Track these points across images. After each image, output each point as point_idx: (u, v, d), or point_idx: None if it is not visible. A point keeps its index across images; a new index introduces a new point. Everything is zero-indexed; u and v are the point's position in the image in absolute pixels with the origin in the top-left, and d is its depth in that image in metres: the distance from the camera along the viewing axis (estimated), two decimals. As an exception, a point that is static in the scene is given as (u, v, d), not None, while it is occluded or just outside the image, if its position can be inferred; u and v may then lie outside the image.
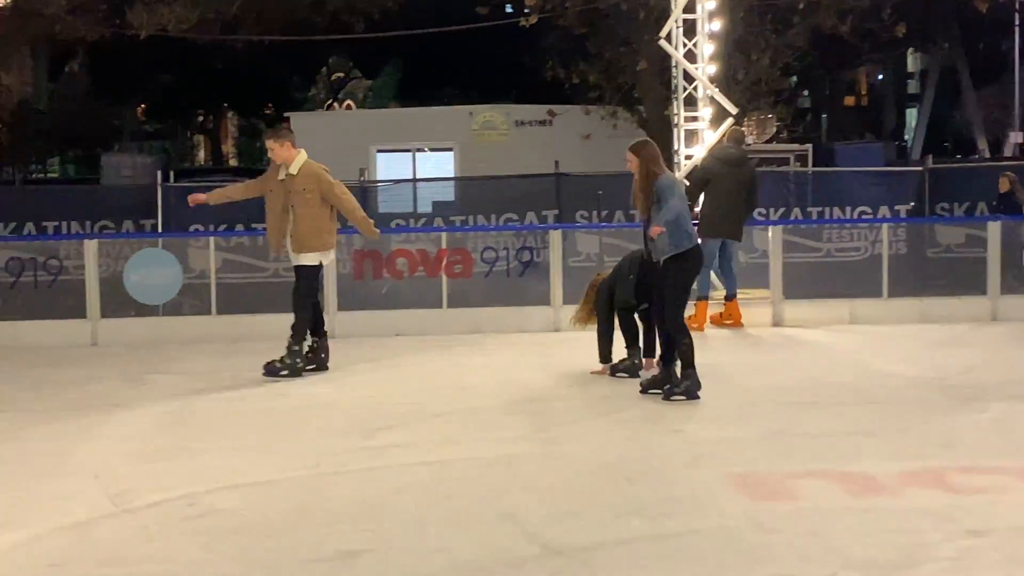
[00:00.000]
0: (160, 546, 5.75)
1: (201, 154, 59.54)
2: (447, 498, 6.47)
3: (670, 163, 15.10)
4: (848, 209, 21.62)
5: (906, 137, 51.72)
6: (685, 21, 14.03)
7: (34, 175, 43.57)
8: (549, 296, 12.93)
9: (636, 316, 9.99)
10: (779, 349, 11.64)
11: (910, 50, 51.06)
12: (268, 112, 50.19)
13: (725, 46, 15.72)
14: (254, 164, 49.90)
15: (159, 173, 23.20)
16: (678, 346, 9.02)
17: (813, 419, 8.31)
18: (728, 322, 12.82)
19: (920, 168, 22.90)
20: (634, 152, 9.10)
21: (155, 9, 18.01)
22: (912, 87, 56.72)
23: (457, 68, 41.24)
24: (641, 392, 9.14)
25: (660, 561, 5.39)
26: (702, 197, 12.83)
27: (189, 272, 13.76)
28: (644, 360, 10.01)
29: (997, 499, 6.27)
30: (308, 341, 10.38)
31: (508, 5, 30.94)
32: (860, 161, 27.03)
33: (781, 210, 21.14)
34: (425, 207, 22.53)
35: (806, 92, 48.81)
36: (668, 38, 13.98)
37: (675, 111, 14.31)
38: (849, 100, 56.38)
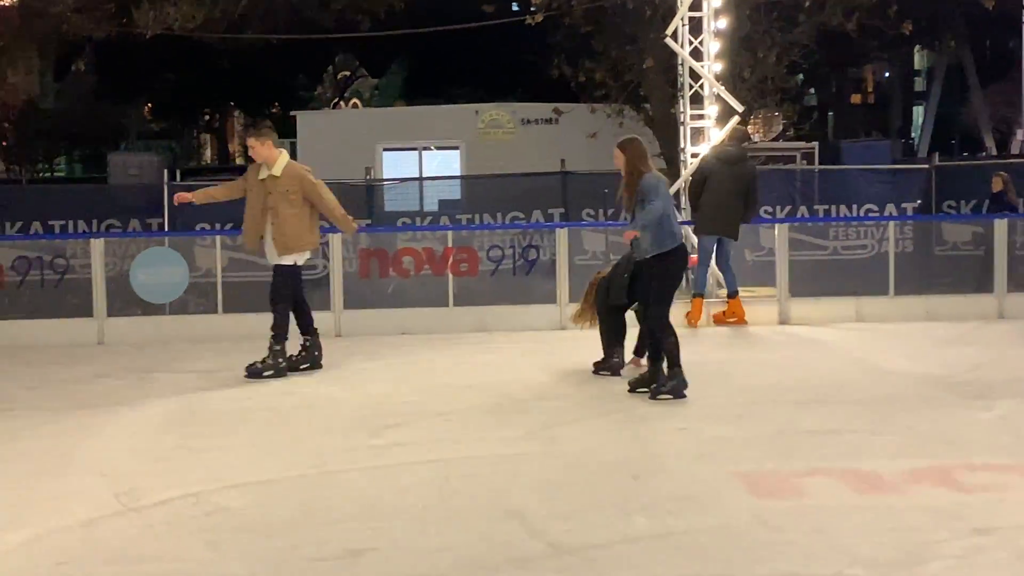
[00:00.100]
0: (166, 545, 5.76)
1: (207, 153, 59.61)
2: (452, 496, 6.48)
3: (676, 161, 15.15)
4: (854, 207, 21.60)
5: (913, 135, 51.68)
6: (691, 19, 14.02)
7: (40, 174, 43.61)
8: (555, 294, 12.93)
9: (634, 314, 10.01)
10: (785, 347, 11.63)
11: (917, 48, 51.01)
12: (274, 111, 50.23)
13: (731, 44, 15.70)
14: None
15: (165, 172, 23.26)
16: (663, 345, 9.02)
17: (819, 417, 8.30)
18: (732, 320, 12.82)
19: (927, 166, 22.85)
20: (620, 149, 9.13)
21: (161, 8, 18.01)
22: (919, 85, 56.69)
23: (463, 67, 41.24)
24: (629, 391, 9.12)
25: (665, 559, 5.38)
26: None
27: (195, 271, 13.78)
28: (634, 359, 10.03)
29: (1003, 497, 6.26)
30: (289, 340, 10.31)
31: (514, 3, 30.97)
32: (866, 159, 26.98)
33: (787, 208, 21.11)
34: (431, 205, 22.53)
35: (812, 90, 48.75)
36: (674, 36, 13.97)
37: (681, 109, 14.29)
38: (856, 98, 56.34)
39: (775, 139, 32.52)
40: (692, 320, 12.64)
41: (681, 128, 14.32)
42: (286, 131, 38.40)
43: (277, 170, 10.12)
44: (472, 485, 6.70)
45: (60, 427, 8.45)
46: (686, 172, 13.86)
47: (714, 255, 12.97)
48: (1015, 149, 41.02)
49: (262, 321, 12.31)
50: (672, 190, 14.34)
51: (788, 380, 9.75)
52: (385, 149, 26.66)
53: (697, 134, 14.18)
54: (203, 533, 5.91)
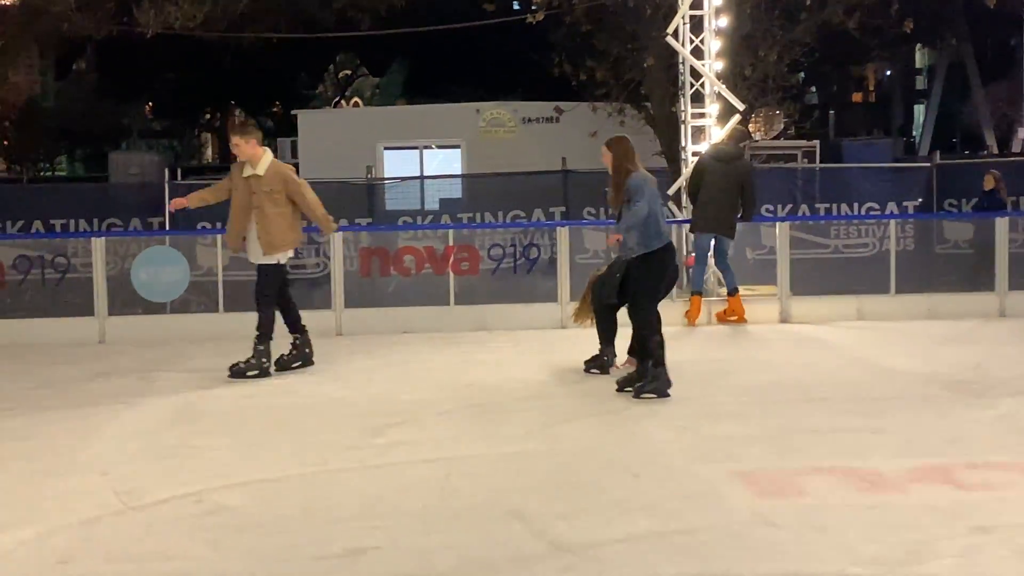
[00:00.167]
0: (168, 543, 5.76)
1: (208, 152, 59.61)
2: (453, 495, 6.48)
3: (677, 160, 15.15)
4: (856, 205, 21.63)
5: (914, 133, 51.67)
6: (692, 17, 14.01)
7: (42, 173, 43.64)
8: (556, 293, 12.93)
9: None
10: (786, 345, 11.63)
11: (918, 46, 50.99)
12: (275, 110, 50.27)
13: (732, 42, 15.69)
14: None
15: (166, 171, 23.27)
16: (648, 343, 9.02)
17: (820, 415, 8.30)
18: (732, 319, 12.82)
19: (928, 164, 22.87)
20: (607, 147, 9.17)
21: (162, 7, 18.00)
22: (920, 83, 56.68)
23: (464, 65, 41.22)
24: (617, 390, 9.12)
25: (667, 558, 5.38)
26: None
27: (196, 270, 13.80)
28: (628, 358, 10.05)
29: (1004, 495, 6.26)
30: (274, 340, 10.29)
31: (515, 2, 30.95)
32: (868, 157, 26.98)
33: (788, 206, 21.13)
34: (432, 204, 22.53)
35: (814, 88, 48.77)
36: (675, 34, 13.97)
37: (682, 107, 14.29)
38: (857, 96, 56.35)
39: (776, 137, 32.49)
40: (691, 318, 12.67)
41: (682, 127, 14.32)
42: (287, 130, 38.44)
43: (261, 169, 10.07)
44: (473, 484, 6.70)
45: (61, 426, 8.45)
46: (687, 171, 13.86)
47: (713, 254, 12.98)
48: (1016, 147, 40.99)
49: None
50: (672, 189, 14.44)
51: (789, 379, 9.75)
52: (386, 148, 26.66)
53: (698, 133, 14.18)
54: (204, 532, 5.91)
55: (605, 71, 19.30)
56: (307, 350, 10.57)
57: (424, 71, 45.34)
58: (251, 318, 12.23)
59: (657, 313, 9.16)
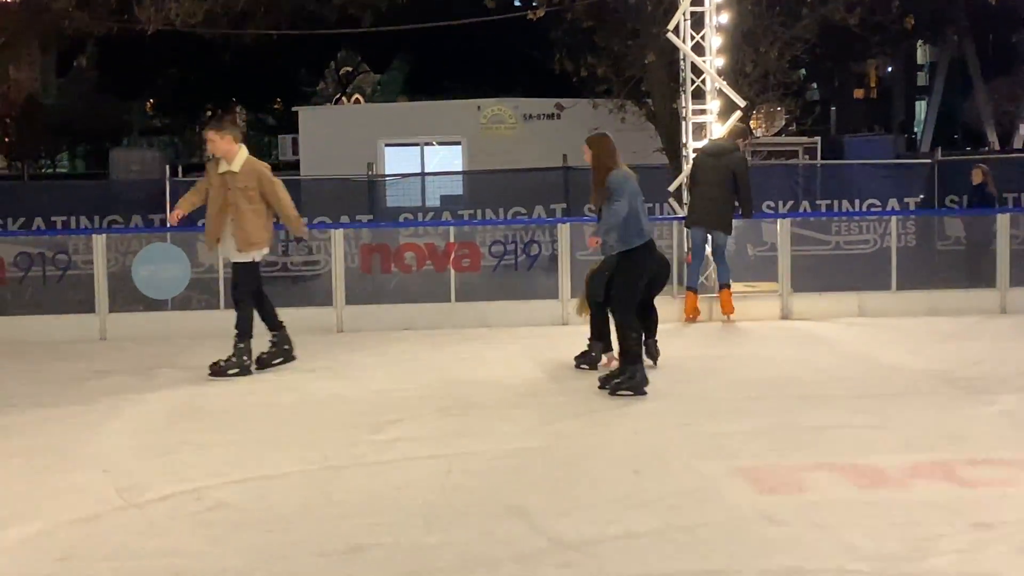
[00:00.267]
0: (168, 540, 5.77)
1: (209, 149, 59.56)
2: (454, 492, 6.48)
3: (678, 156, 15.13)
4: (857, 202, 21.60)
5: (915, 130, 51.61)
6: (693, 14, 13.99)
7: (43, 170, 43.62)
8: (557, 290, 12.92)
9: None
10: (787, 342, 11.62)
11: (919, 42, 50.91)
12: (276, 107, 50.22)
13: (733, 39, 15.65)
14: (263, 158, 49.96)
15: (167, 168, 23.23)
16: (626, 340, 9.02)
17: (821, 412, 8.30)
18: (725, 316, 12.78)
19: (929, 161, 22.83)
20: (588, 145, 9.19)
21: (163, 3, 17.97)
22: (921, 79, 56.58)
23: (465, 62, 41.19)
24: (600, 387, 9.11)
25: (667, 554, 5.39)
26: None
27: (197, 267, 13.80)
28: (609, 354, 10.09)
29: (1005, 491, 6.26)
30: (254, 338, 10.22)
31: (516, -1, 30.89)
32: (869, 154, 26.98)
33: (789, 203, 21.12)
34: (433, 201, 22.52)
35: (815, 85, 48.68)
36: (676, 31, 13.95)
37: (683, 104, 14.27)
38: (858, 93, 56.23)
39: (777, 134, 32.44)
40: (686, 314, 12.67)
41: (683, 123, 14.30)
42: (289, 127, 38.41)
43: (236, 166, 9.99)
44: (474, 480, 6.70)
45: (62, 423, 8.46)
46: (687, 167, 13.85)
47: (710, 249, 12.94)
48: (1018, 144, 40.98)
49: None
50: (673, 186, 14.44)
51: (790, 375, 9.75)
52: (387, 145, 26.65)
53: (699, 129, 14.17)
54: (205, 528, 5.91)
55: (606, 68, 19.25)
56: (286, 346, 10.45)
57: (425, 68, 45.29)
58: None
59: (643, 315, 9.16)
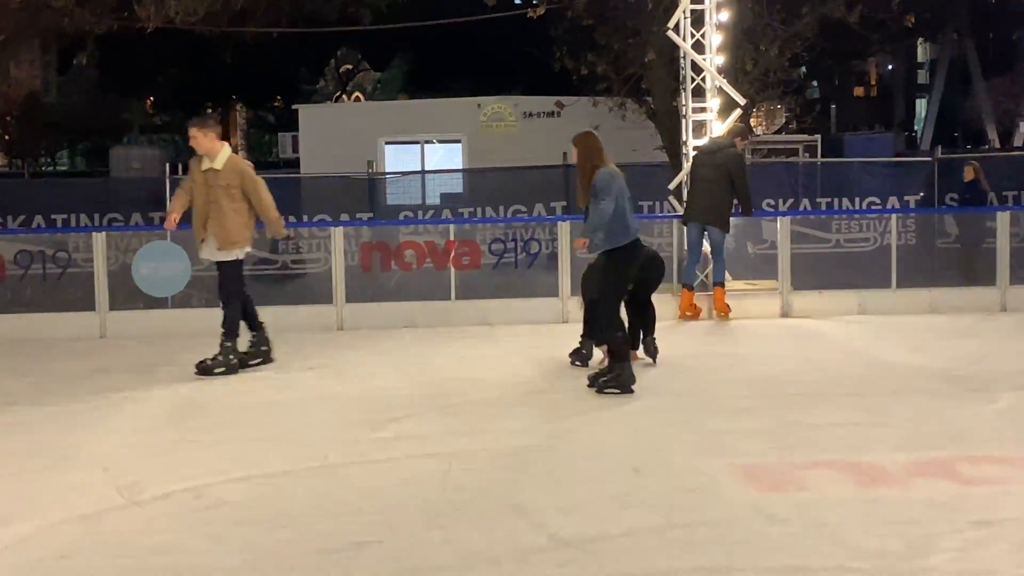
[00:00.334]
0: (168, 538, 5.77)
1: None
2: (455, 490, 6.48)
3: (678, 154, 15.13)
4: (857, 200, 21.59)
5: (915, 128, 51.61)
6: (693, 11, 13.99)
7: (43, 168, 43.63)
8: (557, 287, 12.92)
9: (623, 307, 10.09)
10: (787, 340, 11.62)
11: (920, 40, 50.92)
12: (277, 104, 50.22)
13: (733, 36, 15.64)
14: (263, 156, 49.97)
15: (168, 166, 23.24)
16: (611, 339, 9.03)
17: (820, 410, 8.30)
18: (722, 314, 12.76)
19: (929, 159, 22.82)
20: (574, 143, 9.19)
21: (163, 1, 17.98)
22: (922, 77, 56.60)
23: (465, 60, 41.19)
24: (588, 385, 9.10)
25: (667, 552, 5.39)
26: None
27: (198, 265, 13.73)
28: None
29: (1005, 490, 6.26)
30: (240, 336, 10.20)
31: (516, -4, 30.87)
32: (869, 151, 26.99)
33: (790, 201, 21.11)
34: (433, 199, 22.52)
35: (815, 83, 48.67)
36: (676, 29, 13.94)
37: (683, 102, 14.27)
38: (858, 90, 56.26)
39: (778, 132, 32.42)
40: (681, 312, 12.67)
41: (683, 121, 14.30)
42: (289, 125, 38.38)
43: (218, 163, 9.95)
44: (474, 478, 6.71)
45: (62, 421, 8.46)
46: (687, 165, 13.85)
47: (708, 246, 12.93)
48: (1018, 142, 40.97)
49: (264, 315, 12.34)
50: (673, 184, 14.44)
51: (789, 373, 9.75)
52: (387, 143, 26.64)
53: (699, 127, 14.16)
54: (205, 526, 5.92)
55: (606, 65, 19.24)
56: (264, 347, 10.40)
57: (425, 66, 45.30)
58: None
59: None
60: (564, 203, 20.82)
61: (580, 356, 10.12)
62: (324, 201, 21.18)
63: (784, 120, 29.94)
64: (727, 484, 6.44)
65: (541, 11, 18.15)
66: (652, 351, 10.20)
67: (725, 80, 14.15)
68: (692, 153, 13.99)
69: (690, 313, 12.72)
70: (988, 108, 41.51)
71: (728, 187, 12.63)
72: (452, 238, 13.73)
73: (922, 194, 21.01)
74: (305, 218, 20.28)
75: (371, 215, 20.86)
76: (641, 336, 10.26)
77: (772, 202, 20.69)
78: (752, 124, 20.92)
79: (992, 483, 6.38)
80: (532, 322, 12.57)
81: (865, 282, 13.73)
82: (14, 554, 5.59)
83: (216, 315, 12.35)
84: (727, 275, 13.62)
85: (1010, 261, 13.24)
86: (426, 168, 25.45)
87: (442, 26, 24.70)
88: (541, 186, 21.27)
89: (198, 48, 34.06)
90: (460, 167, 25.53)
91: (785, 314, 13.01)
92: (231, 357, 10.09)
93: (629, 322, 10.17)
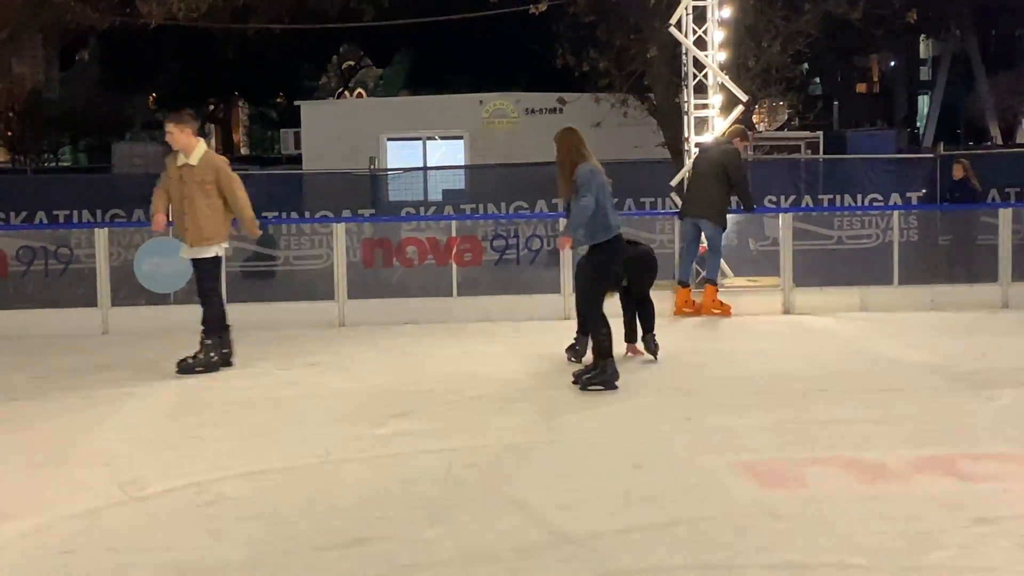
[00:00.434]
0: (170, 534, 5.78)
1: (212, 143, 59.62)
2: (456, 485, 6.49)
3: (680, 151, 15.13)
4: (859, 196, 21.58)
5: (918, 124, 51.57)
6: (695, 8, 13.97)
7: (45, 164, 43.65)
8: (559, 284, 12.92)
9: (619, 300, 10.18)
10: (789, 337, 11.62)
11: (922, 37, 50.88)
12: (279, 101, 50.23)
13: (735, 33, 15.63)
14: (265, 153, 49.99)
15: (169, 162, 23.19)
16: (595, 335, 9.02)
17: (822, 406, 8.30)
18: (716, 311, 12.74)
19: (932, 155, 22.82)
20: (555, 140, 9.17)
21: (165, -3, 18.02)
22: (924, 74, 56.57)
23: (467, 56, 41.19)
24: (573, 382, 9.08)
25: (668, 548, 5.39)
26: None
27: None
28: (626, 345, 10.16)
29: (1007, 486, 6.26)
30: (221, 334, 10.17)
31: (518, -8, 30.85)
32: (871, 148, 26.96)
33: (792, 197, 21.10)
34: (435, 195, 22.53)
35: (817, 79, 48.66)
36: (678, 25, 13.93)
37: (685, 98, 14.26)
38: (861, 87, 56.24)
39: (780, 129, 32.43)
40: (676, 308, 12.67)
41: (685, 118, 14.28)
42: (291, 121, 38.38)
43: (194, 159, 9.91)
44: (475, 474, 6.71)
45: (64, 417, 8.46)
46: (689, 162, 13.85)
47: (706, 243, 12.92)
48: (1021, 138, 40.97)
49: (267, 311, 12.38)
50: (675, 181, 14.44)
51: (791, 370, 9.75)
52: (389, 139, 26.65)
53: (701, 124, 14.14)
54: (206, 522, 5.92)
55: (608, 62, 19.23)
56: (225, 350, 10.30)
57: (427, 62, 45.31)
58: (255, 309, 12.27)
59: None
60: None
61: (575, 352, 10.12)
62: (326, 197, 21.19)
63: (786, 117, 29.93)
64: (728, 480, 6.44)
65: (543, 7, 18.14)
66: (653, 348, 10.20)
67: (727, 77, 14.13)
68: (694, 149, 13.99)
69: (688, 310, 12.71)
70: (990, 104, 41.50)
71: (723, 182, 12.62)
72: (454, 234, 13.72)
73: (924, 191, 21.01)
74: (307, 214, 20.29)
75: (373, 211, 20.86)
76: (641, 333, 10.26)
77: (774, 198, 20.67)
78: (754, 121, 20.92)
79: (993, 480, 6.38)
80: (534, 318, 12.57)
81: (867, 279, 13.71)
82: (16, 550, 5.60)
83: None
84: (728, 271, 13.63)
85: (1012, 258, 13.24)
86: (428, 164, 25.46)
87: (444, 22, 24.68)
88: (543, 182, 21.20)
89: (201, 44, 34.10)
90: (462, 163, 25.54)
91: (787, 311, 13.01)
92: (211, 355, 10.06)
93: (628, 317, 10.19)
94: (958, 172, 16.96)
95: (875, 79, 58.18)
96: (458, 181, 23.61)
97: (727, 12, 14.21)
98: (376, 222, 17.86)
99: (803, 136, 25.29)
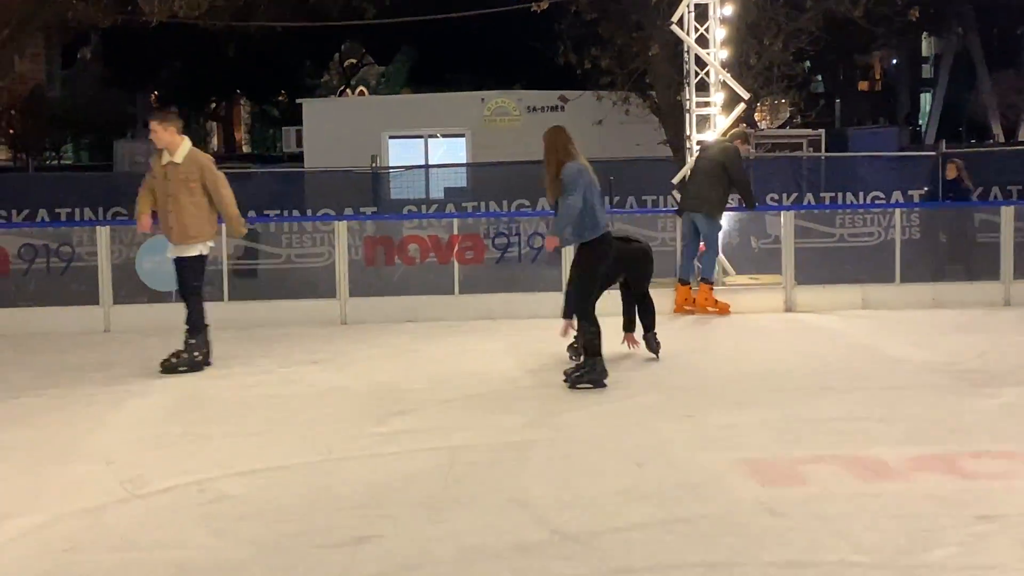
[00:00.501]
0: (171, 531, 5.78)
1: (214, 141, 59.64)
2: (457, 483, 6.49)
3: (682, 149, 15.13)
4: (861, 194, 21.60)
5: (920, 122, 51.54)
6: (697, 6, 13.96)
7: (47, 162, 43.67)
8: (560, 282, 12.89)
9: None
10: (790, 334, 11.62)
11: (924, 34, 50.83)
12: (281, 99, 50.22)
13: (737, 31, 15.63)
14: (267, 151, 49.99)
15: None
16: (584, 333, 9.02)
17: (824, 404, 8.30)
18: (712, 309, 12.74)
19: (934, 153, 22.81)
20: (543, 139, 9.17)
21: (166, -5, 18.03)
22: (926, 72, 56.52)
23: (469, 54, 41.21)
24: (564, 380, 9.07)
25: (670, 546, 5.39)
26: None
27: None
28: (625, 335, 10.16)
29: (1008, 484, 6.26)
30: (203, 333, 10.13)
31: (520, -10, 30.86)
32: (873, 146, 26.95)
33: (793, 195, 21.11)
34: (437, 193, 22.54)
35: (819, 77, 48.62)
36: (680, 23, 13.92)
37: (687, 96, 14.26)
38: (863, 85, 56.20)
39: (781, 126, 32.43)
40: (677, 306, 12.66)
41: (687, 115, 14.28)
42: (293, 119, 38.39)
43: (178, 157, 9.86)
44: (477, 472, 6.71)
45: (66, 415, 8.47)
46: (691, 160, 13.85)
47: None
48: (1022, 136, 40.93)
49: (269, 309, 12.38)
50: (677, 178, 14.43)
51: (793, 367, 9.75)
52: (391, 137, 26.68)
53: (703, 121, 14.14)
54: (208, 520, 5.92)
55: (610, 60, 19.25)
56: (204, 349, 10.24)
57: (429, 60, 45.32)
58: (256, 307, 12.27)
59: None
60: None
61: (575, 351, 10.11)
62: (328, 195, 21.19)
63: (788, 114, 29.92)
64: (730, 478, 6.44)
65: (545, 5, 18.14)
66: (654, 346, 10.19)
67: (729, 74, 14.13)
68: (695, 147, 13.99)
69: (688, 308, 12.71)
70: (992, 102, 41.47)
71: (721, 180, 12.62)
72: (455, 232, 13.72)
73: (926, 188, 21.01)
74: (309, 212, 20.29)
75: (375, 209, 20.88)
76: (642, 332, 10.25)
77: (776, 196, 20.67)
78: (756, 119, 20.91)
79: (995, 478, 6.38)
80: (535, 316, 12.55)
81: (869, 276, 13.71)
82: (17, 547, 5.60)
83: (219, 308, 12.41)
84: (730, 269, 13.63)
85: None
86: (430, 162, 25.48)
87: (446, 20, 24.68)
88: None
89: (202, 42, 34.05)
90: (464, 161, 25.55)
91: (788, 308, 13.01)
92: (196, 355, 10.03)
93: (627, 310, 10.17)
94: (951, 172, 16.97)
95: (877, 77, 58.13)
96: (460, 179, 23.63)
97: (729, 10, 14.20)
98: (378, 220, 17.88)
99: (805, 134, 25.28)
